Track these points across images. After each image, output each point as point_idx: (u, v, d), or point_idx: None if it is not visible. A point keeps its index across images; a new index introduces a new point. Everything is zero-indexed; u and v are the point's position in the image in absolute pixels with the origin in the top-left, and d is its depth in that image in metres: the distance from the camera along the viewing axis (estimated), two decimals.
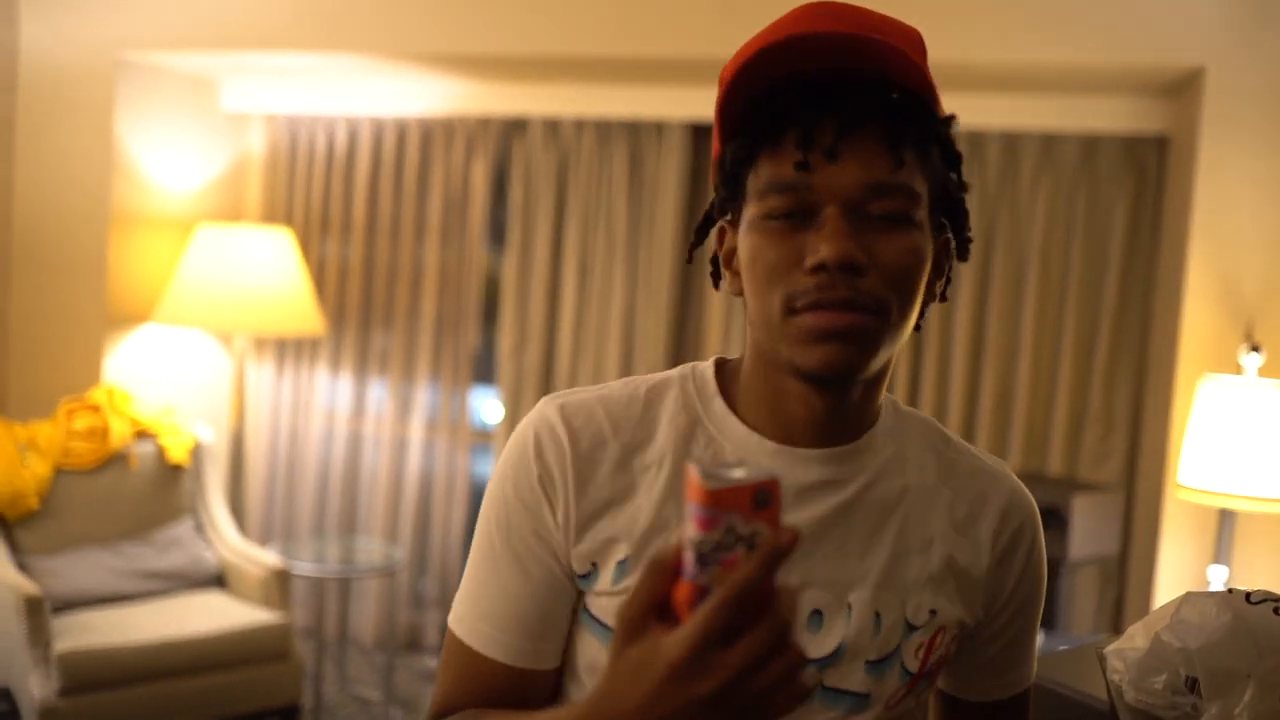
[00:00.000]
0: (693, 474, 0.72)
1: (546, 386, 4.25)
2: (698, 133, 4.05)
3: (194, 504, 3.96)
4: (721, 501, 0.71)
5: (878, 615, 0.98)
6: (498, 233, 4.38)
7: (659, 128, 4.08)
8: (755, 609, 0.71)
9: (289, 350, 4.54)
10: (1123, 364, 3.72)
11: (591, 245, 4.20)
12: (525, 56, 3.65)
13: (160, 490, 3.88)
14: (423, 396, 4.42)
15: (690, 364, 1.05)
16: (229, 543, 3.87)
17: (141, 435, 3.90)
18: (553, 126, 4.19)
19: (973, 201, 3.78)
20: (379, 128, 4.41)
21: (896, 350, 0.95)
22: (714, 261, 1.02)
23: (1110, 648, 1.24)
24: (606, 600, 0.98)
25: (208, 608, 3.59)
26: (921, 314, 0.97)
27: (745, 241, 0.94)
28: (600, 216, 4.17)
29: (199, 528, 3.93)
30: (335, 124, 4.46)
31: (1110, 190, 3.70)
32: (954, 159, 0.96)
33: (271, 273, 3.99)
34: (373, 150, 4.42)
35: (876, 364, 0.93)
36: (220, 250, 3.98)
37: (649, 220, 4.12)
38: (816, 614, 0.97)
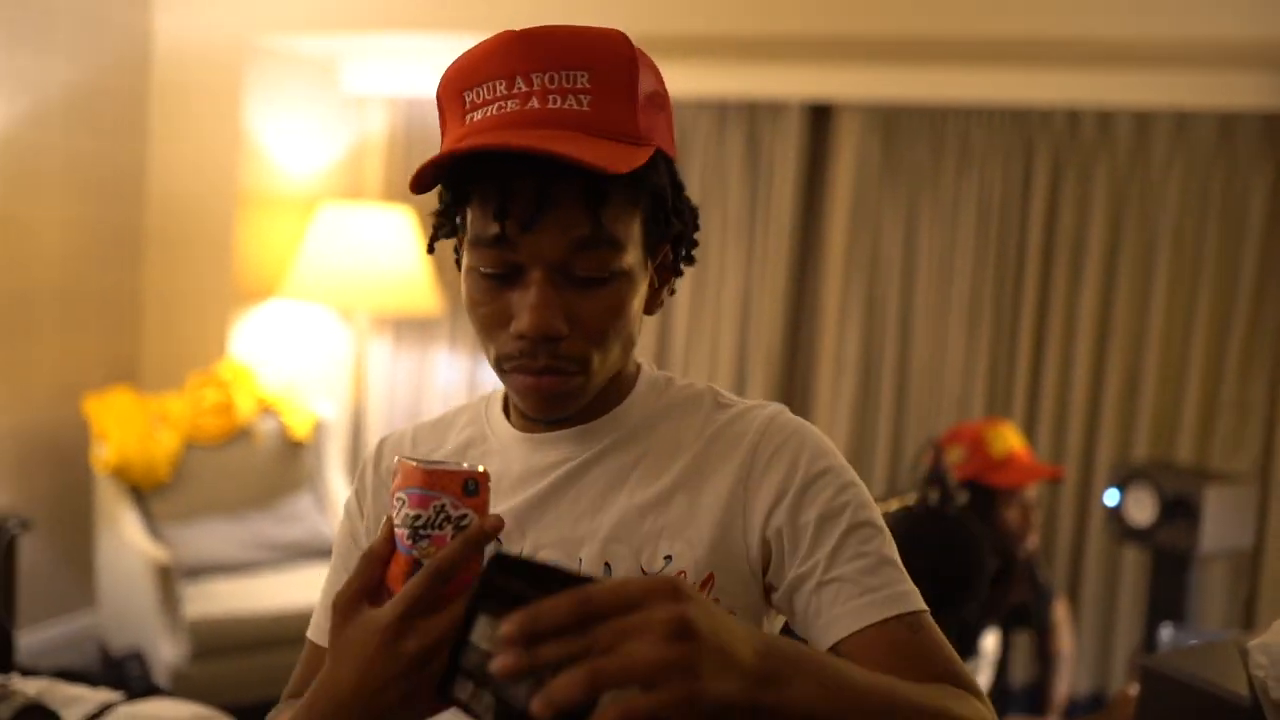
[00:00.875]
0: (405, 462, 0.83)
1: (661, 368, 4.24)
2: (816, 113, 4.00)
3: (314, 478, 4.06)
4: (434, 483, 0.81)
5: (607, 565, 1.00)
6: None
7: (776, 108, 4.03)
8: (462, 582, 0.80)
9: (408, 329, 4.62)
10: (1260, 351, 3.58)
11: (707, 227, 4.17)
12: (640, 36, 3.62)
13: (282, 464, 3.98)
14: None
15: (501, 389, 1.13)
16: None
17: (265, 411, 4.01)
18: None
19: (1100, 182, 3.68)
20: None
21: (625, 359, 1.02)
22: (455, 256, 1.05)
23: (1254, 642, 1.19)
24: None
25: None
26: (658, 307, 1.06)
27: (464, 279, 0.99)
28: (716, 198, 4.15)
29: (319, 501, 4.02)
30: None
31: (1249, 171, 3.55)
32: (664, 194, 0.98)
33: (392, 252, 4.06)
34: None
35: (587, 398, 1.00)
36: (342, 229, 4.06)
37: (765, 202, 4.08)
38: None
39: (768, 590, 1.01)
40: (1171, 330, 3.65)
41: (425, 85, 4.47)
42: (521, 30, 0.95)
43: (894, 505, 2.34)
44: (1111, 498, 3.34)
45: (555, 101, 0.92)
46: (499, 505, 1.02)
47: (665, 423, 1.06)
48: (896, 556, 1.00)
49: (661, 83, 1.02)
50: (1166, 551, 3.23)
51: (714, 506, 1.00)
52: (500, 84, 0.93)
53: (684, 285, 4.18)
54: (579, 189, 0.91)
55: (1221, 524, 3.13)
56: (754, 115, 4.06)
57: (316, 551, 3.84)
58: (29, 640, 3.77)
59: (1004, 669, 3.12)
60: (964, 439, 2.73)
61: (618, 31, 0.99)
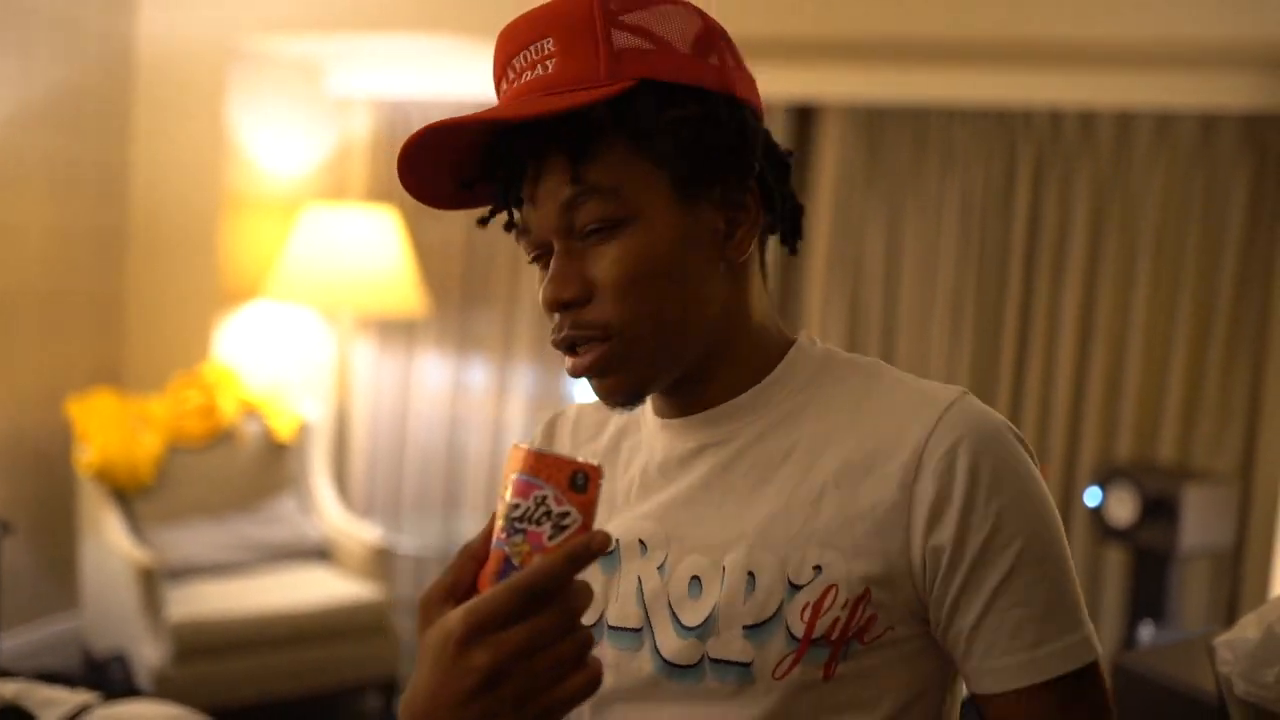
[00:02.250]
0: (517, 447, 0.75)
1: None
2: (799, 115, 4.01)
3: (299, 480, 4.06)
4: (538, 469, 0.73)
5: (751, 575, 0.90)
6: None
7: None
8: (547, 596, 0.72)
9: (392, 329, 4.62)
10: (1241, 351, 3.59)
11: None
12: None
13: (267, 466, 3.98)
14: (522, 376, 4.46)
15: None
16: (332, 519, 3.95)
17: (249, 412, 4.00)
18: None
19: (1082, 183, 3.69)
20: (480, 109, 4.43)
21: (702, 328, 0.93)
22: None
23: (1220, 639, 1.20)
24: None
25: (311, 581, 3.67)
26: (758, 249, 0.97)
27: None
28: None
29: (303, 503, 4.02)
30: (438, 107, 4.51)
31: (1229, 170, 3.56)
32: (677, 132, 0.90)
33: (376, 252, 4.06)
34: None
35: (661, 371, 0.93)
36: (326, 230, 4.06)
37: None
38: (695, 580, 0.93)
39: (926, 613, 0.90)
40: (1153, 329, 3.66)
41: (409, 87, 4.47)
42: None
43: None
44: (1093, 497, 3.35)
45: (527, 75, 0.93)
46: (646, 500, 0.99)
47: (821, 405, 0.95)
48: (1073, 591, 0.89)
49: (654, 21, 0.92)
50: (1147, 550, 3.24)
51: (873, 509, 0.88)
52: (502, 82, 0.97)
53: None
54: (561, 153, 0.89)
55: (1202, 523, 3.14)
56: (769, 113, 4.06)
57: (300, 553, 3.84)
58: (11, 643, 3.76)
59: None
60: None
61: None
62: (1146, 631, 3.11)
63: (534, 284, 3.70)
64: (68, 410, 3.78)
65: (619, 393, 0.93)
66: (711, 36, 0.96)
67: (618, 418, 1.06)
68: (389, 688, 3.66)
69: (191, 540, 3.67)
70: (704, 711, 0.92)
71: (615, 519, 1.00)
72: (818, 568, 0.88)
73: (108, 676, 3.38)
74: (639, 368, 0.92)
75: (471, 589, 0.76)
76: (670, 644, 0.93)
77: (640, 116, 0.89)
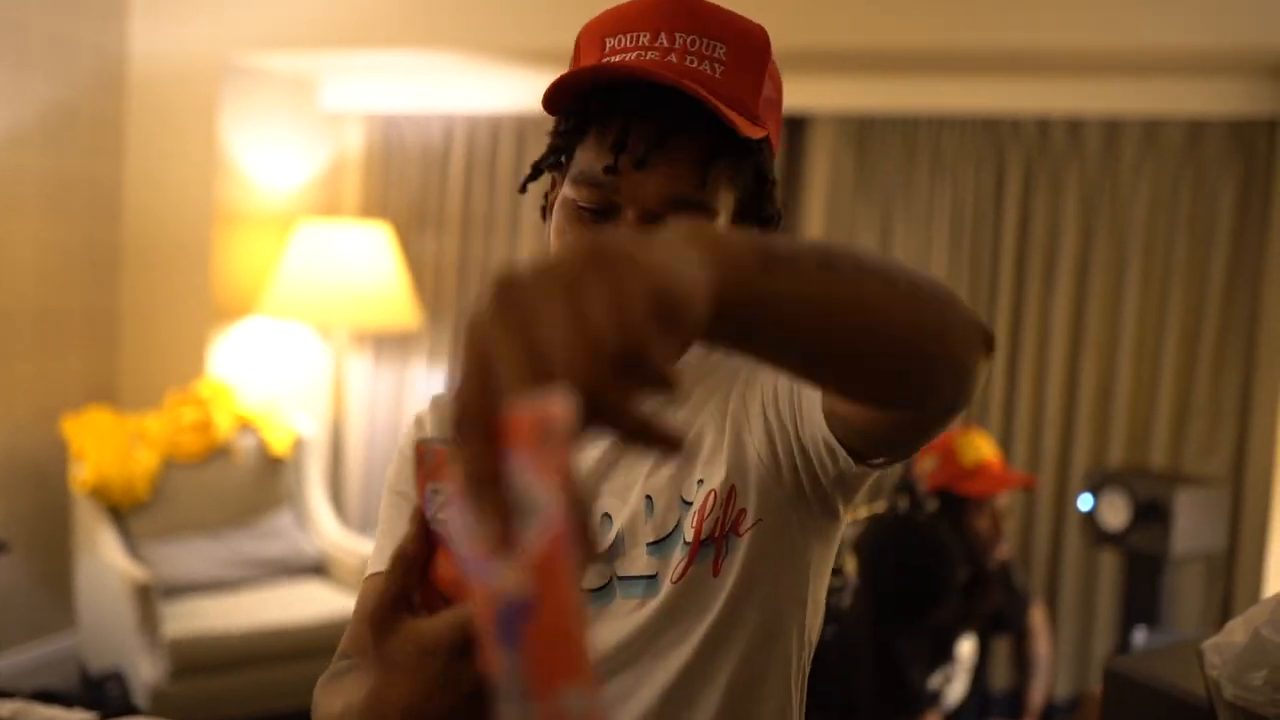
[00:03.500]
0: (438, 449, 0.67)
1: None
2: (790, 125, 4.03)
3: (295, 495, 4.06)
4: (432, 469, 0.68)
5: (649, 499, 1.04)
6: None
7: None
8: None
9: (387, 344, 4.63)
10: (1230, 355, 3.61)
11: None
12: None
13: (262, 481, 3.98)
14: None
15: None
16: (328, 533, 3.95)
17: (244, 428, 4.01)
18: None
19: (1071, 190, 3.71)
20: (473, 124, 4.46)
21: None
22: (544, 202, 1.08)
23: (1209, 643, 1.21)
24: None
25: (308, 596, 3.67)
26: None
27: (556, 213, 1.00)
28: None
29: (299, 518, 4.02)
30: (430, 121, 4.53)
31: (1217, 176, 3.59)
32: (763, 181, 1.01)
33: (370, 268, 4.07)
34: (467, 146, 4.48)
35: None
36: (320, 246, 4.07)
37: None
38: (606, 517, 1.06)
39: (796, 474, 1.03)
40: (1144, 335, 3.68)
41: (401, 101, 4.48)
42: None
43: (864, 513, 2.36)
44: (1085, 502, 3.36)
45: (692, 61, 0.96)
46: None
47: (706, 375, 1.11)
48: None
49: (780, 93, 1.05)
50: (1140, 555, 3.25)
51: (725, 425, 1.06)
52: (644, 35, 0.97)
53: None
54: (696, 145, 0.94)
55: (1194, 527, 3.16)
56: None
57: (297, 568, 3.84)
58: (7, 663, 3.76)
59: (982, 675, 3.14)
60: (935, 448, 2.75)
61: (760, 25, 1.03)
62: (1140, 636, 3.12)
63: None
64: (63, 428, 3.78)
65: None
66: (780, 99, 1.06)
67: None
68: None
69: (188, 556, 3.67)
70: (609, 627, 1.03)
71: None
72: (700, 480, 1.04)
73: (104, 695, 3.38)
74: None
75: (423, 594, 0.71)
76: (593, 569, 1.02)
77: (755, 166, 1.00)
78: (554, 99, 0.98)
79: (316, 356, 4.58)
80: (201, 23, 4.11)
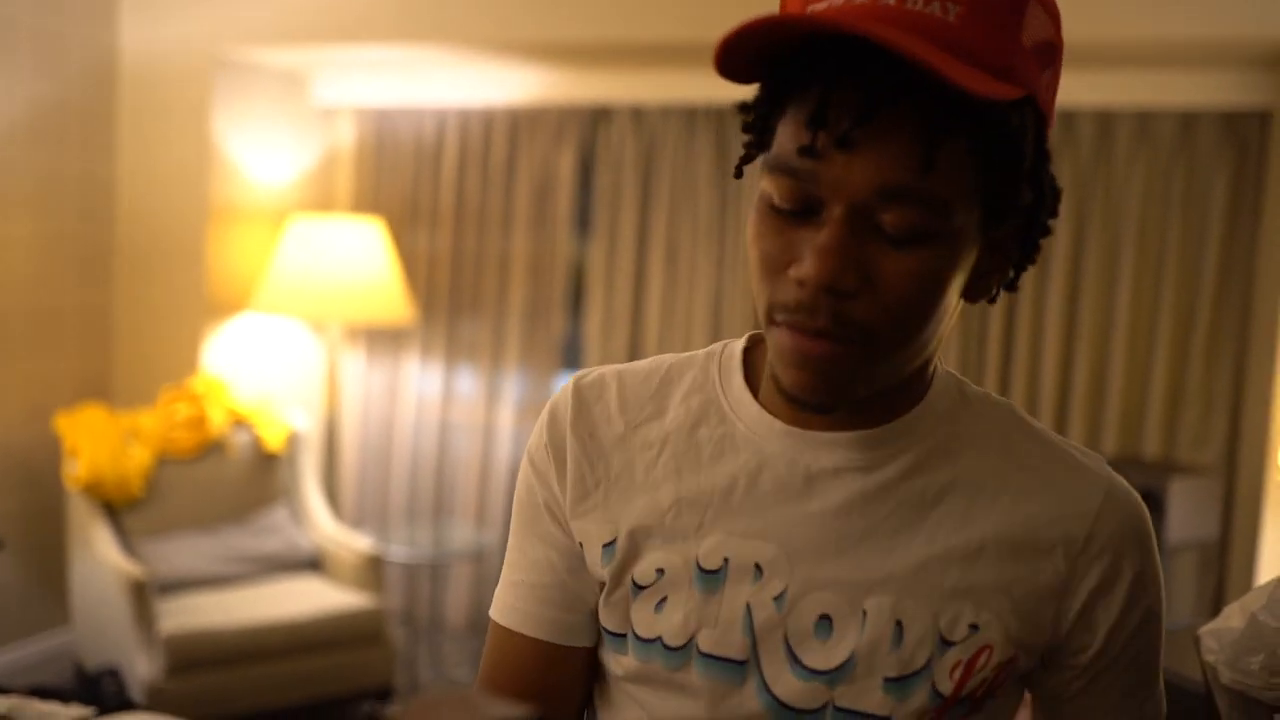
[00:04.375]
0: None
1: None
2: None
3: (290, 490, 4.06)
4: None
5: (899, 625, 0.85)
6: (584, 221, 4.41)
7: None
8: None
9: (380, 339, 4.62)
10: (1223, 344, 3.62)
11: (677, 232, 4.20)
12: (610, 43, 3.66)
13: (257, 477, 3.98)
14: (511, 383, 4.47)
15: (724, 341, 0.96)
16: (323, 528, 3.95)
17: (239, 424, 4.01)
18: (638, 114, 4.20)
19: (1064, 181, 3.71)
20: (466, 118, 4.46)
21: (922, 355, 0.83)
22: None
23: (1205, 628, 1.22)
24: (600, 595, 0.93)
25: (304, 591, 3.67)
26: (989, 297, 0.86)
27: (752, 213, 0.82)
28: (686, 203, 4.17)
29: (294, 513, 4.02)
30: (422, 115, 4.52)
31: (1209, 167, 3.60)
32: (1018, 158, 0.78)
33: (363, 262, 4.06)
34: (460, 140, 4.47)
35: (868, 388, 0.81)
36: (313, 241, 4.06)
37: (735, 206, 4.11)
38: (824, 619, 0.86)
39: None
40: (1137, 324, 3.69)
41: (393, 96, 4.48)
42: None
43: None
44: None
45: (916, 3, 0.74)
46: (757, 516, 0.88)
47: (972, 446, 0.89)
48: (1160, 662, 0.94)
49: (1058, 34, 0.82)
50: None
51: (1033, 578, 0.86)
52: None
53: (654, 288, 4.20)
54: (914, 118, 0.73)
55: (1187, 516, 3.17)
56: (722, 120, 4.09)
57: (293, 564, 3.84)
58: (3, 660, 3.76)
59: None
60: None
61: None
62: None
63: (521, 292, 3.66)
64: (56, 425, 3.78)
65: (828, 396, 0.80)
66: (1060, 42, 0.82)
67: (685, 396, 0.93)
68: (384, 695, 3.67)
69: (183, 552, 3.66)
70: None
71: (712, 531, 0.88)
72: (974, 626, 0.85)
73: (101, 691, 3.38)
74: (865, 382, 0.81)
75: None
76: (787, 685, 0.86)
77: (1008, 132, 0.77)
78: (731, 62, 0.76)
79: (310, 352, 4.58)
80: (192, 17, 4.10)
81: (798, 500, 0.87)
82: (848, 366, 0.79)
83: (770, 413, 0.89)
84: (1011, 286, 0.88)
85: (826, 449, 0.87)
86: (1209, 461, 3.59)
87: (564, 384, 0.97)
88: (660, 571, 0.90)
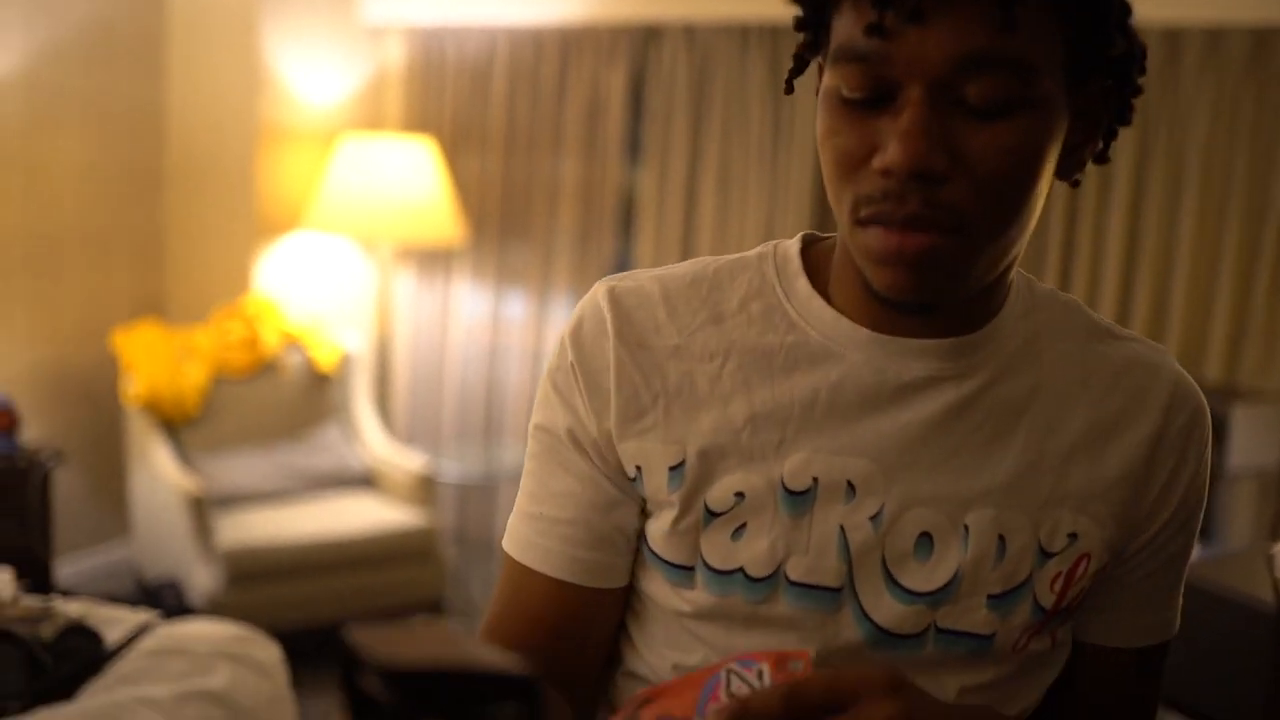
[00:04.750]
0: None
1: None
2: None
3: (342, 409, 4.09)
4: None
5: (1002, 539, 0.81)
6: (635, 143, 4.36)
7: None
8: None
9: (431, 260, 4.62)
10: None
11: (729, 155, 4.14)
12: None
13: (310, 396, 4.02)
14: (560, 307, 4.46)
15: (773, 242, 0.89)
16: (375, 447, 3.99)
17: (291, 344, 4.03)
18: (690, 33, 4.13)
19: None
20: (515, 37, 4.40)
21: (1015, 250, 0.78)
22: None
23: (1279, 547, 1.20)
24: (659, 523, 0.85)
25: (357, 508, 3.72)
26: (1079, 175, 0.81)
27: (818, 114, 0.77)
28: (739, 125, 4.11)
29: (347, 432, 4.05)
30: (472, 35, 4.47)
31: None
32: (1105, 10, 0.73)
33: (413, 182, 4.05)
34: (510, 61, 4.42)
35: (966, 285, 0.77)
36: (363, 160, 4.05)
37: (789, 128, 4.04)
38: (925, 538, 0.82)
39: None
40: (1200, 250, 3.61)
41: (444, 14, 4.43)
42: None
43: None
44: None
45: None
46: (845, 430, 0.81)
47: (1049, 347, 0.85)
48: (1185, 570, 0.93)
49: None
50: None
51: (1122, 477, 0.84)
52: None
53: (706, 212, 4.16)
54: None
55: (1249, 443, 3.12)
56: (776, 39, 4.01)
57: (345, 481, 3.88)
58: (65, 571, 3.84)
59: None
60: None
61: None
62: (1195, 550, 3.10)
63: (571, 215, 3.66)
64: (113, 343, 3.82)
65: (929, 294, 0.75)
66: None
67: (742, 304, 0.85)
68: (435, 610, 3.72)
69: (239, 469, 3.71)
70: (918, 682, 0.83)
71: (796, 448, 0.82)
72: (1072, 535, 0.83)
73: (161, 602, 3.45)
74: (965, 273, 0.75)
75: None
76: (887, 610, 0.82)
77: None
78: None
79: (361, 273, 4.59)
80: None
81: (889, 412, 0.81)
82: (946, 259, 0.73)
83: (853, 319, 0.82)
84: (1102, 158, 0.83)
85: (917, 357, 0.81)
86: (1272, 388, 3.53)
87: (591, 295, 0.86)
88: (739, 495, 0.82)
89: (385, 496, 3.87)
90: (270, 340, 3.94)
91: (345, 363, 4.11)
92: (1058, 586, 0.83)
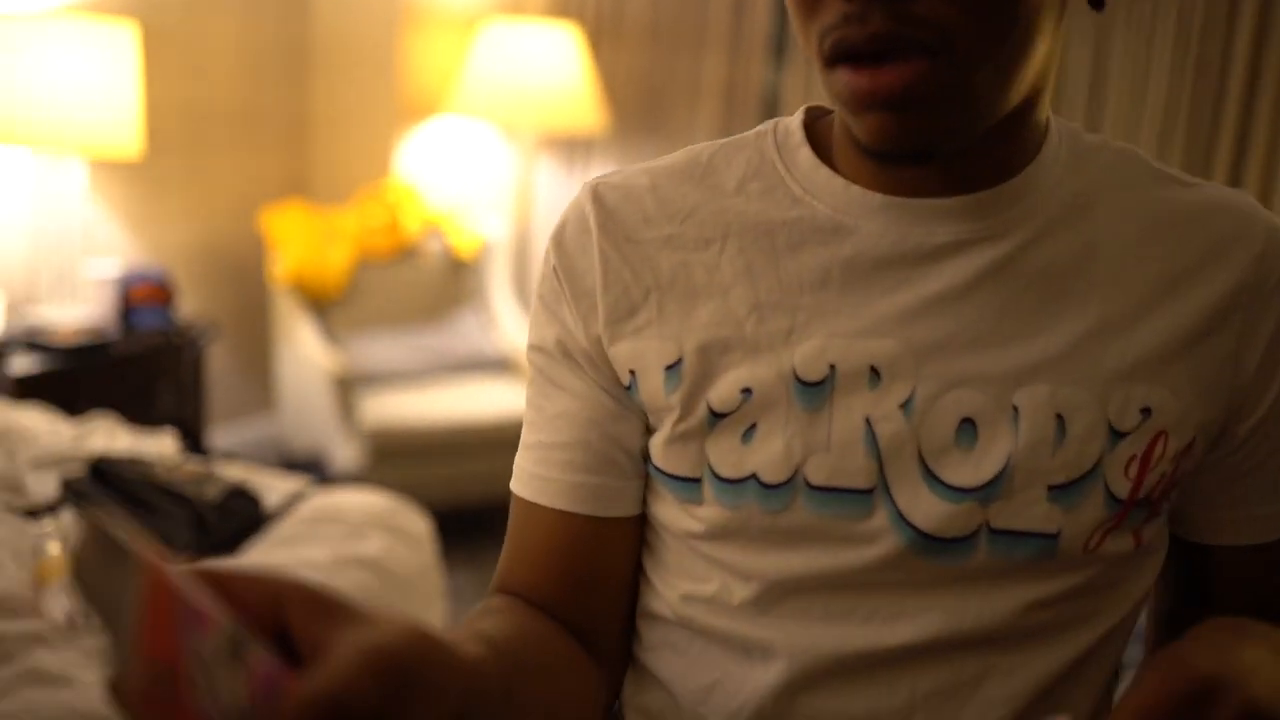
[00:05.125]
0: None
1: None
2: None
3: (479, 296, 4.13)
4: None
5: (1060, 419, 0.69)
6: (780, 45, 4.23)
7: None
8: None
9: (571, 149, 4.59)
10: None
11: None
12: None
13: (449, 282, 4.06)
14: None
15: (774, 119, 0.80)
16: (511, 335, 4.02)
17: (431, 230, 4.07)
18: None
19: None
20: None
21: (1022, 75, 0.66)
22: None
23: None
24: (661, 434, 0.76)
25: (492, 393, 3.76)
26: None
27: None
28: None
29: (484, 319, 4.09)
30: None
31: None
32: None
33: (556, 69, 4.01)
34: None
35: (969, 123, 0.66)
36: (506, 46, 4.02)
37: None
38: (967, 424, 0.70)
39: None
40: None
41: None
42: None
43: None
44: None
45: None
46: (863, 308, 0.71)
47: (1104, 200, 0.73)
48: None
49: None
50: None
51: (1202, 340, 0.71)
52: None
53: None
54: None
55: None
56: None
57: (481, 365, 3.91)
58: (216, 440, 3.98)
59: None
60: None
61: None
62: None
63: (711, 115, 3.58)
64: (261, 222, 3.90)
65: (918, 136, 0.65)
66: None
67: (735, 180, 0.76)
68: None
69: (379, 350, 3.78)
70: (967, 600, 0.72)
71: (808, 335, 0.72)
72: (1145, 410, 0.70)
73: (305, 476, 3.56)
74: (961, 106, 0.64)
75: None
76: (927, 510, 0.70)
77: None
78: None
79: (502, 159, 4.59)
80: None
81: (912, 284, 0.71)
82: (933, 90, 0.62)
83: (861, 184, 0.73)
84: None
85: (939, 219, 0.70)
86: None
87: (575, 196, 0.79)
88: (746, 392, 0.72)
89: (520, 382, 3.91)
90: (411, 226, 3.98)
91: (484, 250, 4.14)
92: (1133, 472, 0.70)
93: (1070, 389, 0.69)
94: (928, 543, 0.70)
